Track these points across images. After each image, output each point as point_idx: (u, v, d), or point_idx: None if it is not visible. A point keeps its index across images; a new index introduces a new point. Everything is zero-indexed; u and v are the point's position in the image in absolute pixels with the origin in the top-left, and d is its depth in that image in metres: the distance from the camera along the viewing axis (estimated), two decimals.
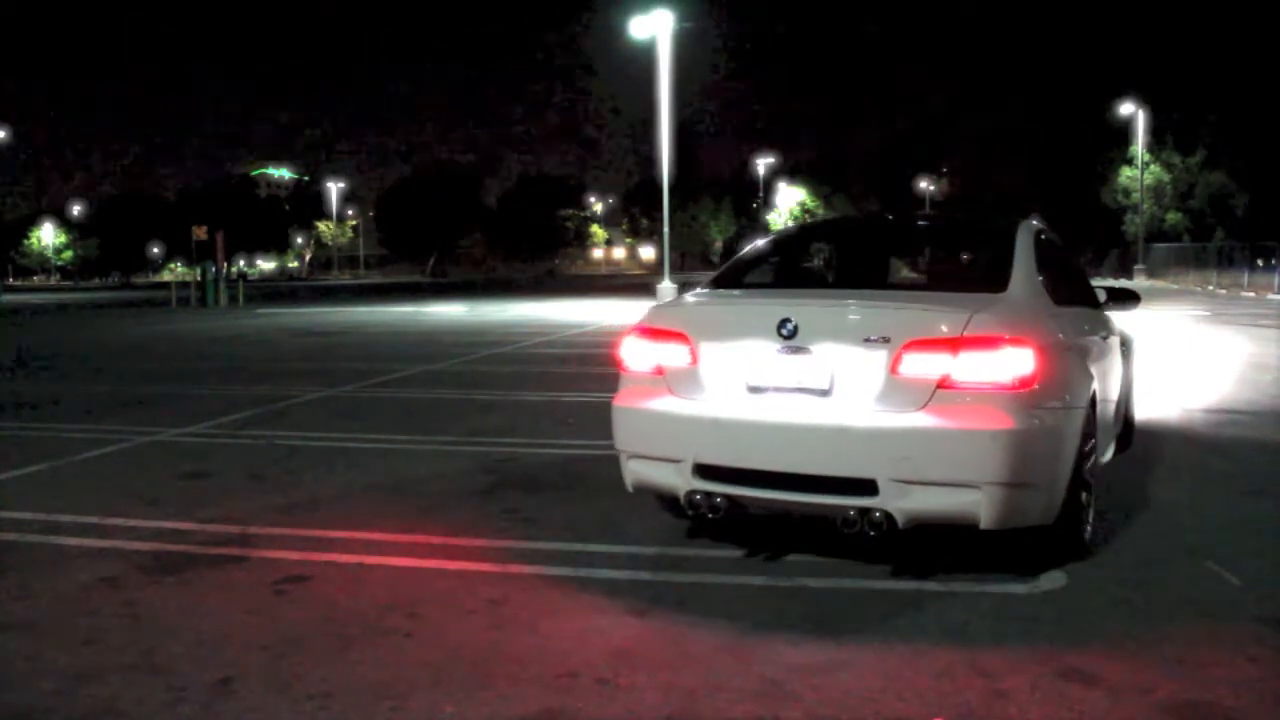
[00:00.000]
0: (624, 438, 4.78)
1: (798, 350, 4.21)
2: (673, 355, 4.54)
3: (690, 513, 4.43)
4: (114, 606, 4.03)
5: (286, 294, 47.72)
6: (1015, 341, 4.01)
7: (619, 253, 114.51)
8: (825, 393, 4.15)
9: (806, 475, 4.12)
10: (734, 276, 5.35)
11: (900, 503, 3.97)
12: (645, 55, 34.61)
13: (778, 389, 4.24)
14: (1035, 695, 3.11)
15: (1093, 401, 4.63)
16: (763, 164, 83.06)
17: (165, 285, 51.15)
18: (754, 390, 4.29)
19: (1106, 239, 56.18)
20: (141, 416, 8.92)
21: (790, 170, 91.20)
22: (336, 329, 21.29)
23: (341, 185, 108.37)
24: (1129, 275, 49.58)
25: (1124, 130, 51.52)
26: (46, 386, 11.53)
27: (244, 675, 3.33)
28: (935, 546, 4.52)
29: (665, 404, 4.53)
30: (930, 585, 4.16)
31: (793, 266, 5.91)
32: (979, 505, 3.94)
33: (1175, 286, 41.23)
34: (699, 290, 5.16)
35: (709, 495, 4.31)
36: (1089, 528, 4.58)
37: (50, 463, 6.88)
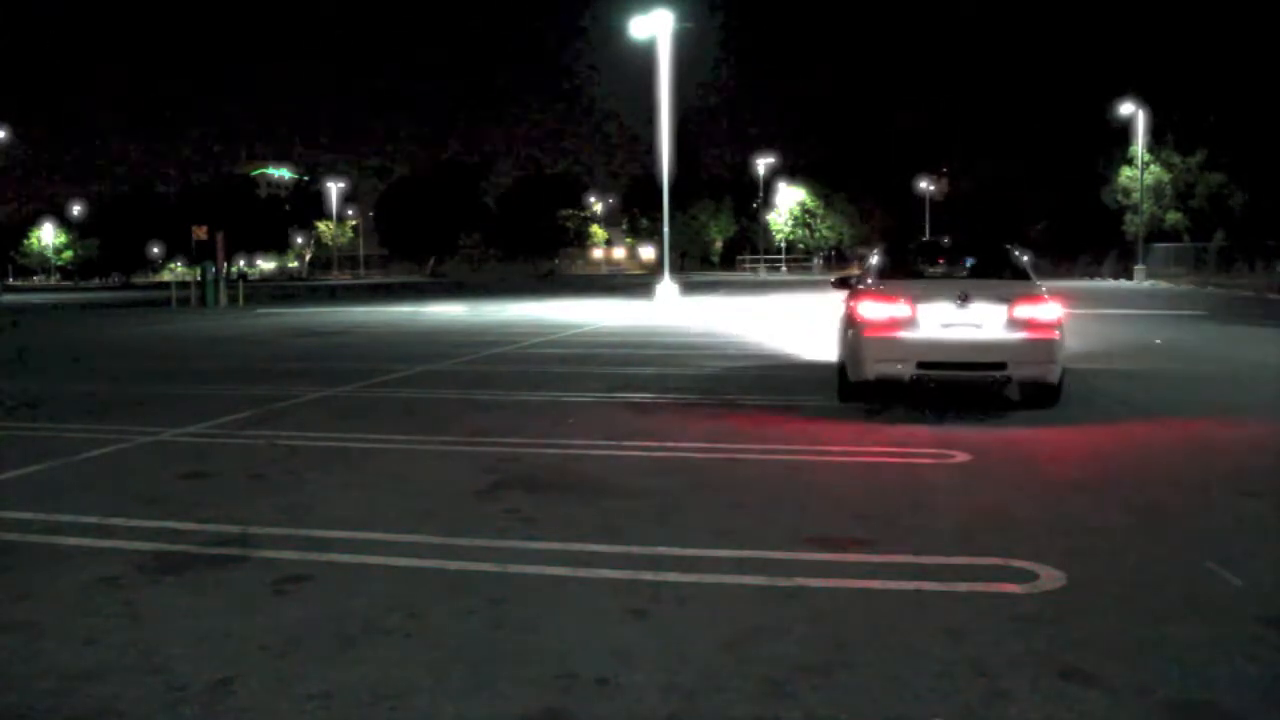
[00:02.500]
0: (871, 354, 8.72)
1: (967, 306, 8.60)
2: (899, 310, 8.72)
3: (911, 385, 8.74)
4: (114, 606, 4.03)
5: (286, 294, 47.73)
6: (1056, 300, 8.78)
7: (619, 253, 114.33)
8: (979, 326, 8.60)
9: (974, 363, 8.63)
10: (891, 271, 9.96)
11: (1017, 372, 8.59)
12: (645, 55, 34.63)
13: (957, 324, 8.62)
14: (1035, 695, 3.12)
15: None
16: (763, 164, 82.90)
17: (165, 285, 51.14)
18: (945, 326, 8.64)
19: (1106, 239, 56.14)
20: (141, 416, 8.92)
21: (790, 170, 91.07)
22: (336, 329, 21.28)
23: (341, 185, 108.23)
24: (1129, 275, 49.57)
25: (1124, 130, 51.46)
26: (46, 386, 11.53)
27: (244, 675, 3.33)
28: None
29: (898, 334, 8.66)
30: (930, 585, 4.16)
31: (919, 261, 11.15)
32: (1047, 372, 8.57)
33: (1175, 286, 41.22)
34: (884, 280, 9.48)
35: (922, 377, 8.65)
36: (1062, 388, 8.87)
37: (50, 463, 6.88)
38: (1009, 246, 10.48)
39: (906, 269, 10.32)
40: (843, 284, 10.71)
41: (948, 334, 8.60)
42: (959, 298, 8.64)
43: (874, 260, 10.40)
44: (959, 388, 9.20)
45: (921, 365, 8.57)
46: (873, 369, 8.69)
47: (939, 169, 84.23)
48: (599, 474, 6.40)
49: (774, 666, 3.36)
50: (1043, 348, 8.52)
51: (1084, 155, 56.28)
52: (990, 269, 10.02)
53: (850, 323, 9.10)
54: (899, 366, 8.60)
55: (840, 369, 9.49)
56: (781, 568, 4.41)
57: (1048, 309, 8.63)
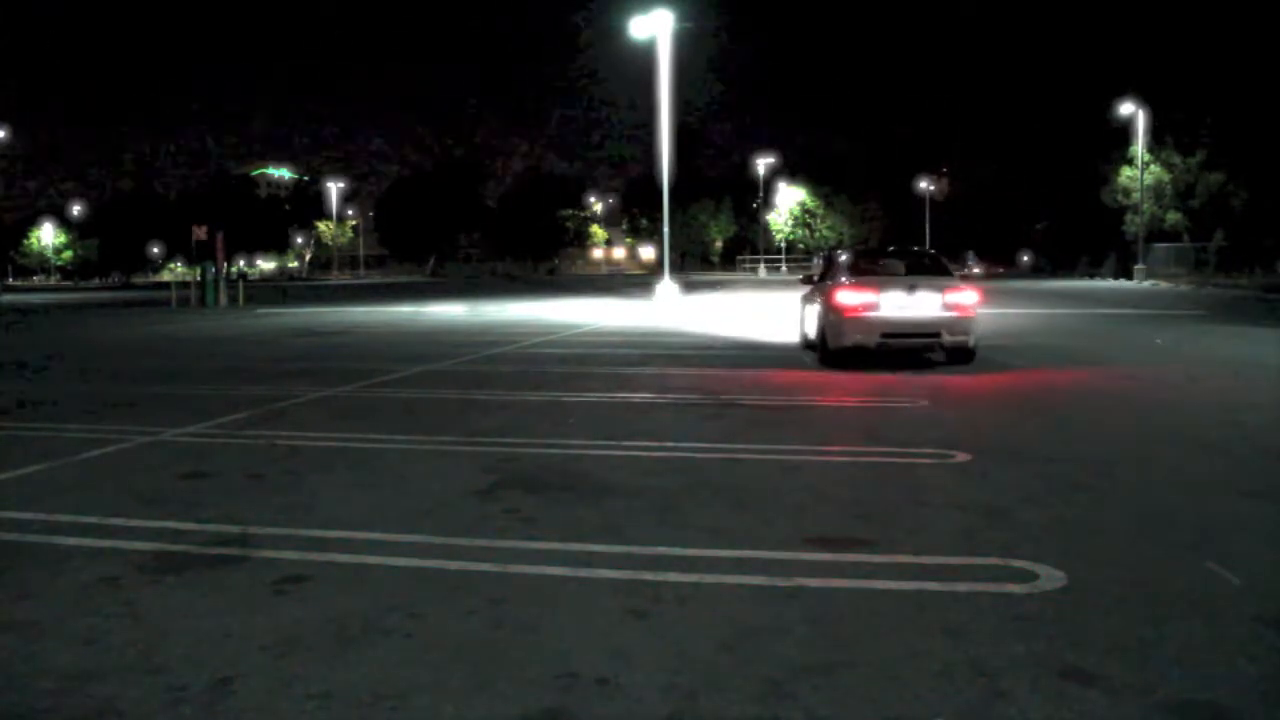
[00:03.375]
0: (849, 329, 12.01)
1: (914, 294, 12.09)
2: (867, 298, 12.01)
3: (876, 350, 11.97)
4: (114, 606, 4.03)
5: (286, 294, 47.72)
6: (972, 289, 12.51)
7: (619, 253, 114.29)
8: (922, 308, 12.06)
9: (920, 333, 12.16)
10: (858, 270, 13.27)
11: (947, 340, 12.13)
12: (646, 54, 34.63)
13: (908, 307, 12.05)
14: (1035, 695, 3.12)
15: None
16: (763, 164, 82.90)
17: (165, 285, 51.16)
18: (900, 308, 12.03)
19: (1106, 239, 56.14)
20: (141, 416, 8.92)
21: (790, 170, 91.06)
22: (336, 329, 21.29)
23: (341, 185, 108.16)
24: (1129, 275, 49.56)
25: (1124, 130, 51.44)
26: (46, 386, 11.54)
27: (244, 675, 3.33)
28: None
29: (869, 315, 11.94)
30: (930, 585, 4.16)
31: (878, 264, 14.10)
32: (967, 339, 12.20)
33: (1175, 287, 41.21)
34: (854, 276, 12.84)
35: (884, 344, 11.96)
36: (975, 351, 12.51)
37: (50, 463, 6.87)
38: (935, 252, 15.36)
39: (866, 268, 13.56)
40: (808, 280, 15.13)
41: (902, 314, 12.10)
42: (908, 288, 12.23)
43: (842, 260, 13.99)
44: (906, 352, 12.64)
45: (884, 336, 12.03)
46: (850, 339, 12.11)
47: (939, 169, 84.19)
48: (599, 474, 6.40)
49: (774, 666, 3.36)
50: (965, 322, 12.17)
51: (1084, 155, 56.28)
52: (926, 268, 13.58)
53: (830, 307, 12.48)
54: (868, 337, 12.03)
55: (821, 341, 12.92)
56: (781, 568, 4.41)
57: (968, 296, 12.28)
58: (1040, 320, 22.09)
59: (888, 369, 12.03)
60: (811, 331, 13.87)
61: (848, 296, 12.09)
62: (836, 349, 12.23)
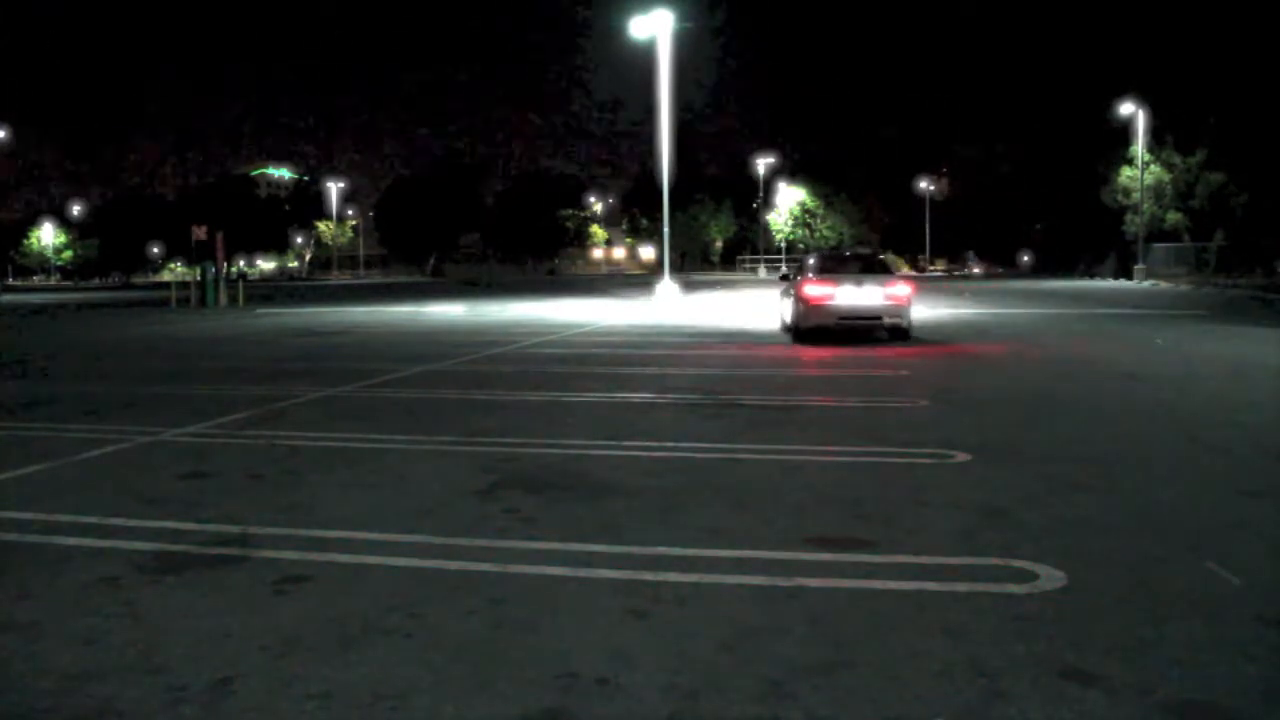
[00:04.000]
0: (813, 314, 16.09)
1: (862, 287, 16.31)
2: (827, 290, 16.16)
3: (835, 329, 16.17)
4: (114, 606, 4.03)
5: (286, 294, 47.72)
6: (906, 284, 16.96)
7: (619, 253, 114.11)
8: (868, 297, 16.26)
9: (866, 316, 16.25)
10: (821, 270, 17.13)
11: (887, 321, 16.27)
12: (646, 54, 34.63)
13: (858, 297, 16.19)
14: (1035, 695, 3.12)
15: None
16: (763, 164, 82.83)
17: (165, 285, 51.17)
18: (852, 298, 16.15)
19: (1106, 239, 56.12)
20: (141, 416, 8.92)
21: (790, 170, 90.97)
22: (336, 329, 21.29)
23: (341, 185, 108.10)
24: (1129, 275, 49.56)
25: (1124, 130, 51.41)
26: (46, 386, 11.53)
27: (244, 675, 3.33)
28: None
29: (828, 303, 16.06)
30: (930, 585, 4.16)
31: (836, 265, 17.97)
32: (901, 321, 16.26)
33: (1175, 287, 41.20)
34: (817, 274, 16.80)
35: (839, 325, 16.13)
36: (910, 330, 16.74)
37: (50, 463, 6.87)
38: (881, 255, 20.72)
39: (827, 268, 17.30)
40: (784, 279, 19.61)
41: (853, 302, 15.95)
42: (857, 283, 16.20)
43: (810, 262, 17.82)
44: (857, 331, 16.38)
45: (840, 319, 15.91)
46: (815, 322, 16.01)
47: (939, 169, 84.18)
48: (599, 474, 6.40)
49: (774, 666, 3.36)
50: (900, 309, 15.99)
51: (1084, 155, 56.27)
52: (872, 268, 17.69)
53: (799, 298, 16.33)
54: (828, 320, 15.92)
55: (794, 324, 16.66)
56: (781, 568, 4.41)
57: (903, 289, 16.30)
58: (1040, 320, 22.13)
59: (856, 348, 13.68)
60: (788, 318, 17.62)
61: (813, 290, 16.12)
62: (805, 329, 16.19)
